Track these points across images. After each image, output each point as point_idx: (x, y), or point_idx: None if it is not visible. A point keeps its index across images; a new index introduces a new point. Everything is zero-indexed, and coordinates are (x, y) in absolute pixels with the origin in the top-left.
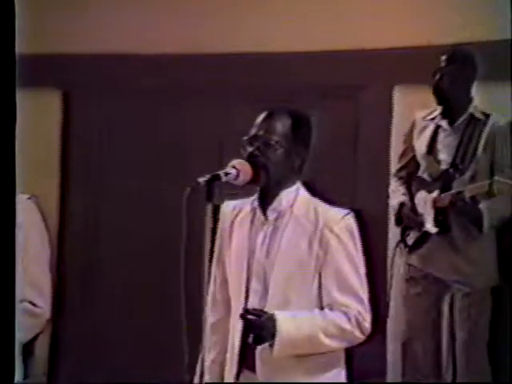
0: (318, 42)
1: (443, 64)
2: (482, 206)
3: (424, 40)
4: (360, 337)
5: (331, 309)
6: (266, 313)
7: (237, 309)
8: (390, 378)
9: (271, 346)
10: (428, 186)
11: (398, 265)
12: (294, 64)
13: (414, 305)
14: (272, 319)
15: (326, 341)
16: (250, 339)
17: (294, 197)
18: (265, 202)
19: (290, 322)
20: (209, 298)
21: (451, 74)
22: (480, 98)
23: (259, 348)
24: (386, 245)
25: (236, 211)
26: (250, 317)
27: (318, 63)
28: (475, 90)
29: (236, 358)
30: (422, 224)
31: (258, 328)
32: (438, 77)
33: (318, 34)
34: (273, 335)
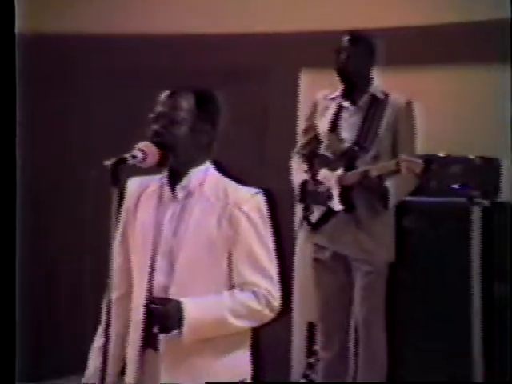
0: (226, 24)
1: (346, 44)
2: (388, 183)
3: (329, 24)
4: (269, 315)
5: (241, 288)
6: (170, 300)
7: (140, 285)
8: (294, 357)
9: (179, 333)
10: (331, 164)
11: (301, 243)
12: (202, 46)
13: (320, 283)
14: (178, 306)
15: (235, 322)
16: (156, 329)
17: (204, 176)
18: (174, 180)
19: (197, 308)
20: (114, 274)
21: (354, 54)
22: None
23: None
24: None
25: (142, 187)
26: (153, 306)
27: (227, 46)
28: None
29: (139, 336)
30: (325, 201)
31: (164, 317)
32: (342, 56)
33: (227, 17)
34: (180, 322)
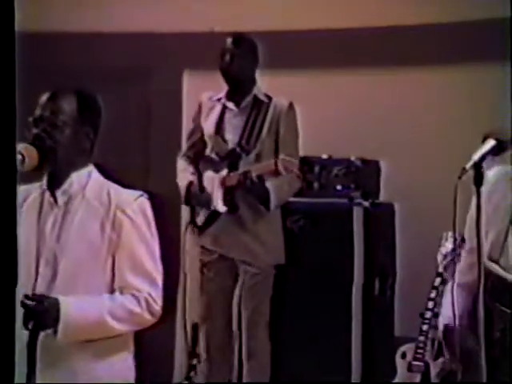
0: (109, 23)
1: (230, 46)
2: (269, 184)
3: (211, 26)
4: (150, 319)
5: (122, 292)
6: (48, 298)
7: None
8: (177, 359)
9: (55, 332)
10: (216, 166)
11: (189, 246)
12: (84, 45)
13: (207, 286)
14: (55, 304)
15: (115, 324)
16: (30, 325)
17: (86, 179)
18: (54, 185)
19: (75, 307)
20: None
21: (237, 55)
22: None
23: (42, 334)
24: (180, 226)
25: (23, 196)
26: (28, 302)
27: (110, 45)
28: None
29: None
30: (209, 203)
31: (39, 314)
32: (226, 57)
33: (112, 16)
34: (56, 321)
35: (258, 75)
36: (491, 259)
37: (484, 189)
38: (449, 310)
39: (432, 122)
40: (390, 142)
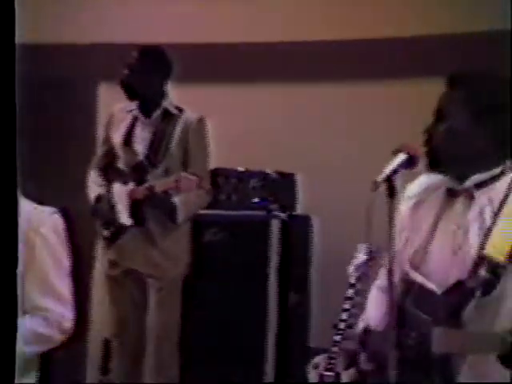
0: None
1: (133, 59)
2: (176, 199)
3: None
4: (60, 337)
5: (32, 313)
6: None
7: None
8: (89, 374)
9: None
10: (124, 178)
11: (99, 259)
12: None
13: (114, 300)
14: None
15: (25, 348)
16: None
17: None
18: None
19: None
20: None
21: (140, 68)
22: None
23: None
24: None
25: None
26: None
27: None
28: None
29: None
30: (117, 216)
31: None
32: (126, 72)
33: (35, 26)
34: None
35: (171, 87)
36: (413, 267)
37: (412, 196)
38: (369, 313)
39: (349, 135)
40: (306, 154)
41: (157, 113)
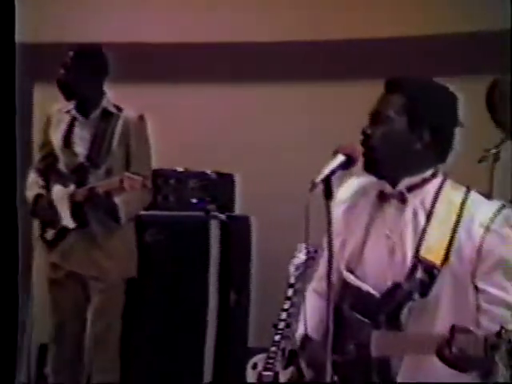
0: None
1: (69, 59)
2: (118, 199)
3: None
4: None
5: None
6: None
7: None
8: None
9: None
10: (65, 179)
11: (38, 262)
12: None
13: (56, 304)
14: None
15: None
16: None
17: None
18: None
19: None
20: None
21: (75, 68)
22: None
23: None
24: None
25: None
26: None
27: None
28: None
29: None
30: (58, 218)
31: None
32: (62, 70)
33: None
34: None
35: (109, 86)
36: (349, 270)
37: (344, 200)
38: (307, 318)
39: (288, 135)
40: (244, 154)
41: (95, 112)
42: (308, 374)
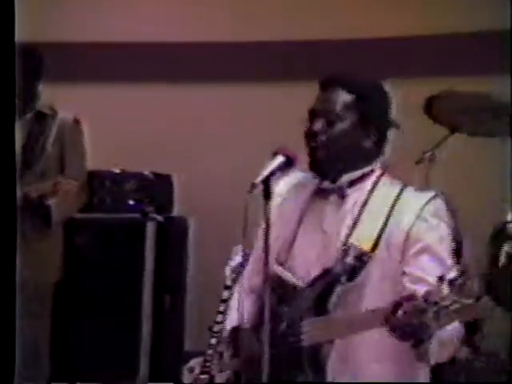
0: None
1: None
2: (51, 202)
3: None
4: None
5: None
6: None
7: None
8: None
9: None
10: None
11: None
12: None
13: None
14: None
15: None
16: None
17: None
18: None
19: None
20: None
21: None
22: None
23: None
24: None
25: None
26: None
27: None
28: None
29: None
30: None
31: None
32: None
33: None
34: None
35: (43, 87)
36: (279, 263)
37: (279, 194)
38: (236, 314)
39: (226, 136)
40: (182, 155)
41: (29, 114)
42: (233, 363)
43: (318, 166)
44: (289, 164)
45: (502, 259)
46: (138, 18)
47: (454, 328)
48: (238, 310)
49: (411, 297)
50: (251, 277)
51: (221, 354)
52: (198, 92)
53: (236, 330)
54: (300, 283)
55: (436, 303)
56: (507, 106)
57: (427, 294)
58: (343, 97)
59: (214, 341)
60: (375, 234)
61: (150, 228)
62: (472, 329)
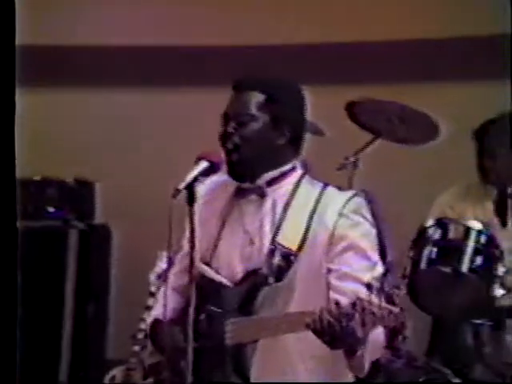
0: None
1: None
2: None
3: None
4: None
5: None
6: None
7: None
8: None
9: None
10: None
11: None
12: None
13: None
14: None
15: None
16: None
17: None
18: None
19: None
20: None
21: None
22: None
23: None
24: None
25: None
26: None
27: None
28: None
29: None
30: None
31: None
32: None
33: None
34: None
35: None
36: (205, 262)
37: (201, 196)
38: (160, 308)
39: (149, 142)
40: (106, 161)
41: None
42: (155, 359)
43: (234, 168)
44: (213, 169)
45: (423, 263)
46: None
47: (380, 332)
48: (162, 304)
49: (338, 302)
50: (177, 277)
51: (142, 362)
52: (122, 97)
53: (158, 323)
54: (227, 282)
55: (363, 309)
56: (422, 115)
57: (355, 299)
58: (255, 97)
59: (137, 348)
60: (301, 234)
61: (72, 236)
62: (394, 331)
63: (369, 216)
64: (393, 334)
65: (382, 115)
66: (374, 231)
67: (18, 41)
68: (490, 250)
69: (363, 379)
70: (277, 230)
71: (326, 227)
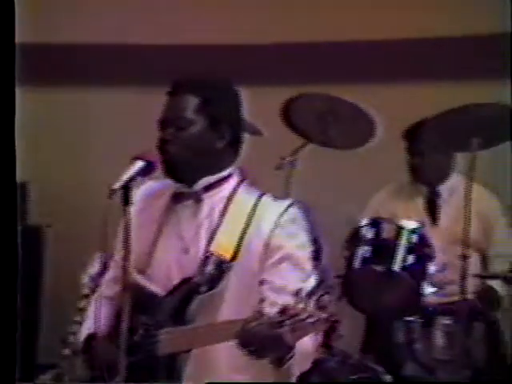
0: None
1: None
2: None
3: None
4: None
5: None
6: None
7: None
8: None
9: None
10: None
11: None
12: None
13: None
14: None
15: None
16: None
17: None
18: None
19: None
20: None
21: None
22: None
23: None
24: None
25: None
26: None
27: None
28: None
29: None
30: None
31: None
32: None
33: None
34: None
35: None
36: (138, 271)
37: (136, 202)
38: (92, 322)
39: (84, 141)
40: (41, 162)
41: None
42: (86, 372)
43: (170, 172)
44: (149, 169)
45: (356, 262)
46: None
47: (308, 343)
48: (95, 318)
49: (267, 310)
50: (110, 285)
51: (74, 366)
52: (58, 96)
53: (91, 337)
54: (159, 291)
55: (292, 316)
56: (357, 110)
57: (284, 307)
58: (191, 101)
59: (67, 351)
60: (235, 243)
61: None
62: (328, 330)
63: (304, 226)
64: (327, 332)
65: (314, 113)
66: (309, 241)
67: (17, 39)
68: (421, 248)
69: (297, 379)
70: (211, 237)
71: (262, 237)
